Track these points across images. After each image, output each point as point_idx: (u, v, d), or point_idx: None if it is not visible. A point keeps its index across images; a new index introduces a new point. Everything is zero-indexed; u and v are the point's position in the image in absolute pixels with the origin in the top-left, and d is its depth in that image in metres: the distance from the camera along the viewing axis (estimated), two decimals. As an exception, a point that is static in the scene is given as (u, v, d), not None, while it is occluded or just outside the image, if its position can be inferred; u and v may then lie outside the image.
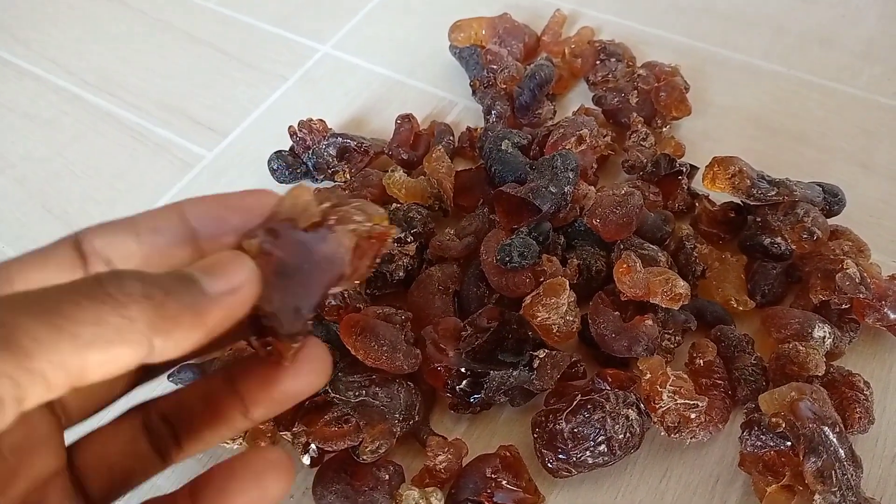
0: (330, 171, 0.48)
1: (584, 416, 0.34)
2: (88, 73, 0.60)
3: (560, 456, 0.34)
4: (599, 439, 0.33)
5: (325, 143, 0.48)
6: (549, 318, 0.37)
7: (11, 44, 0.64)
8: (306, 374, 0.24)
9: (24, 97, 0.59)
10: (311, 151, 0.48)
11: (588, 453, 0.34)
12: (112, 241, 0.23)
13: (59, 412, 0.23)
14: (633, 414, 0.34)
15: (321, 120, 0.50)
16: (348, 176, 0.48)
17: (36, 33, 0.65)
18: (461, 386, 0.36)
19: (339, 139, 0.48)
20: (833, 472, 0.31)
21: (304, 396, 0.24)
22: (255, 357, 0.24)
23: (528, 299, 0.38)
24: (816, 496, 0.31)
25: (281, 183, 0.49)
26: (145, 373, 0.24)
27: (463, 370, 0.36)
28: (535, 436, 0.35)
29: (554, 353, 0.36)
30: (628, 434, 0.34)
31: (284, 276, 0.22)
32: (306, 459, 0.36)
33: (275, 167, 0.48)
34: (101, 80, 0.60)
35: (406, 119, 0.49)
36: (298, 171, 0.48)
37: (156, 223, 0.23)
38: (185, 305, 0.20)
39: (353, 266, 0.22)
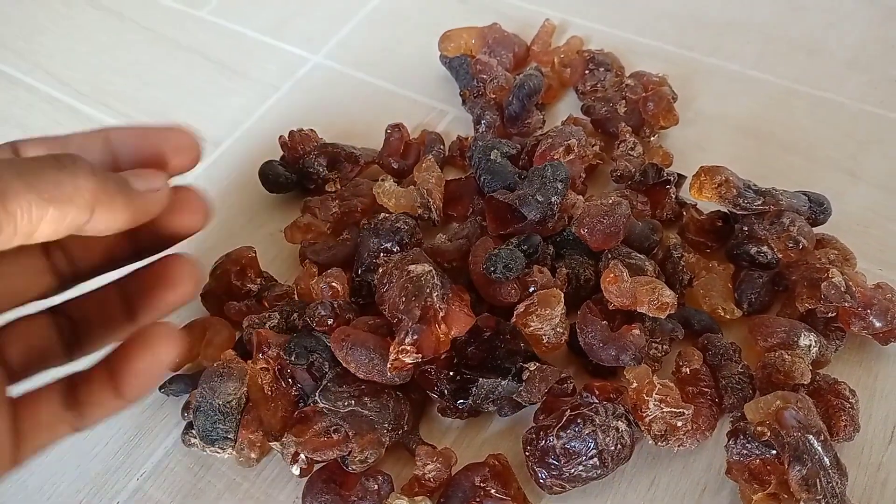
0: (321, 181, 0.48)
1: (574, 430, 0.34)
2: (81, 83, 0.61)
3: (553, 472, 0.34)
4: (591, 453, 0.34)
5: (316, 152, 0.48)
6: (542, 328, 0.37)
7: (4, 53, 0.64)
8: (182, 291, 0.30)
9: (17, 107, 0.59)
10: (301, 161, 0.48)
11: (581, 467, 0.34)
12: (43, 153, 0.27)
13: None
14: (622, 426, 0.34)
15: (312, 129, 0.50)
16: (339, 185, 0.48)
17: (28, 43, 0.65)
18: (450, 389, 0.36)
19: (330, 148, 0.48)
20: (818, 479, 0.31)
21: (179, 304, 0.31)
22: (143, 271, 0.30)
23: (521, 307, 0.38)
24: (801, 504, 0.31)
25: (272, 193, 0.49)
26: (61, 283, 0.30)
27: (452, 374, 0.36)
28: (527, 454, 0.35)
29: (544, 367, 0.36)
30: (619, 446, 0.34)
31: None
32: (296, 469, 0.36)
33: (267, 177, 0.49)
34: (93, 90, 0.60)
35: (396, 128, 0.49)
36: (290, 180, 0.48)
37: (84, 144, 0.29)
38: (120, 189, 0.25)
39: None
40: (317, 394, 0.36)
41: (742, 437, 0.33)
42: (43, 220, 0.23)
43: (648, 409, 0.35)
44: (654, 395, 0.35)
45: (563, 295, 0.38)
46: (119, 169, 0.28)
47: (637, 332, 0.37)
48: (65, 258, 0.30)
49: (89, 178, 0.24)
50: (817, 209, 0.42)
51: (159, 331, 0.28)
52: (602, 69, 0.52)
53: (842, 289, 0.37)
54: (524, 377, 0.36)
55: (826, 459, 0.32)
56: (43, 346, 0.30)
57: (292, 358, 0.37)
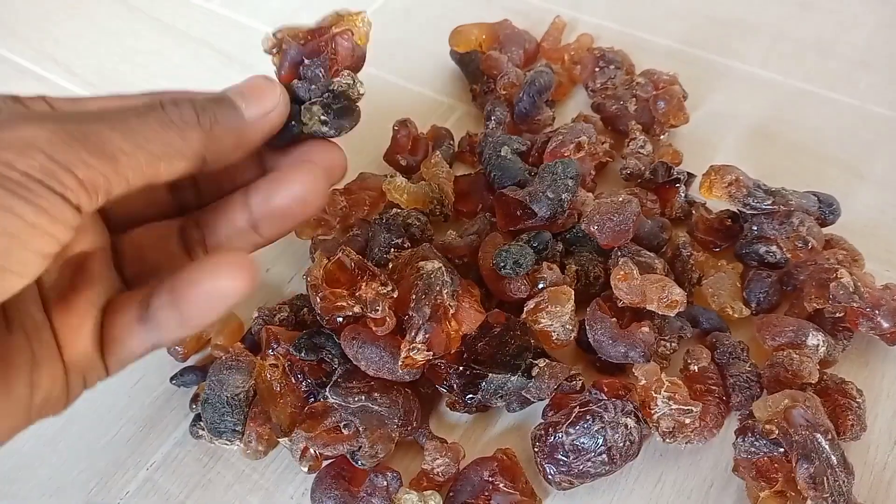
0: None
1: (583, 427, 0.34)
2: (88, 72, 0.61)
3: (561, 468, 0.34)
4: (600, 449, 0.34)
5: (326, 146, 0.48)
6: (552, 325, 0.37)
7: (12, 42, 0.64)
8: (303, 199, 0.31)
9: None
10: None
11: (589, 463, 0.34)
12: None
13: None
14: (631, 422, 0.34)
15: (322, 123, 0.50)
16: (348, 180, 0.48)
17: (36, 31, 0.65)
18: (459, 384, 0.36)
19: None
20: (825, 478, 0.31)
21: (303, 218, 0.32)
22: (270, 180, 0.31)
23: (531, 304, 0.38)
24: (808, 502, 0.31)
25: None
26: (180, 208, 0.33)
27: (461, 369, 0.36)
28: (536, 450, 0.35)
29: (554, 363, 0.36)
30: (628, 442, 0.34)
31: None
32: (304, 466, 0.36)
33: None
34: (101, 79, 0.60)
35: (403, 125, 0.49)
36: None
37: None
38: (229, 129, 0.27)
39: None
40: (327, 389, 0.36)
41: (750, 434, 0.33)
42: (156, 174, 0.25)
43: (657, 406, 0.35)
44: (662, 392, 0.35)
45: (572, 293, 0.38)
46: None
47: (646, 329, 0.37)
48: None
49: (197, 129, 0.26)
50: (826, 210, 0.42)
51: (227, 260, 0.27)
52: (612, 67, 0.52)
53: (850, 289, 0.37)
54: (534, 373, 0.36)
55: (833, 458, 0.32)
56: (159, 255, 0.31)
57: (301, 354, 0.37)
